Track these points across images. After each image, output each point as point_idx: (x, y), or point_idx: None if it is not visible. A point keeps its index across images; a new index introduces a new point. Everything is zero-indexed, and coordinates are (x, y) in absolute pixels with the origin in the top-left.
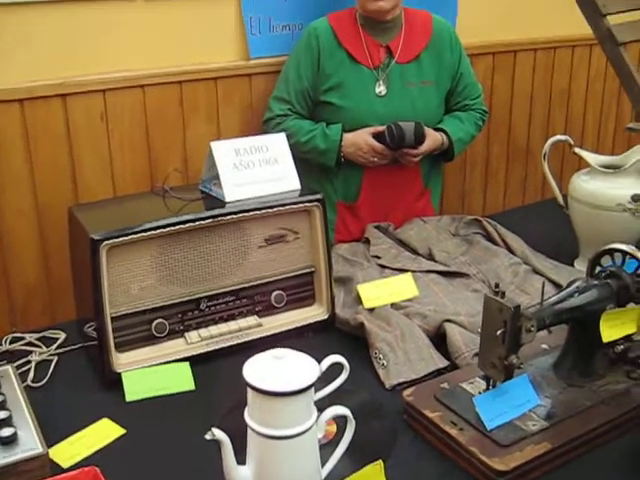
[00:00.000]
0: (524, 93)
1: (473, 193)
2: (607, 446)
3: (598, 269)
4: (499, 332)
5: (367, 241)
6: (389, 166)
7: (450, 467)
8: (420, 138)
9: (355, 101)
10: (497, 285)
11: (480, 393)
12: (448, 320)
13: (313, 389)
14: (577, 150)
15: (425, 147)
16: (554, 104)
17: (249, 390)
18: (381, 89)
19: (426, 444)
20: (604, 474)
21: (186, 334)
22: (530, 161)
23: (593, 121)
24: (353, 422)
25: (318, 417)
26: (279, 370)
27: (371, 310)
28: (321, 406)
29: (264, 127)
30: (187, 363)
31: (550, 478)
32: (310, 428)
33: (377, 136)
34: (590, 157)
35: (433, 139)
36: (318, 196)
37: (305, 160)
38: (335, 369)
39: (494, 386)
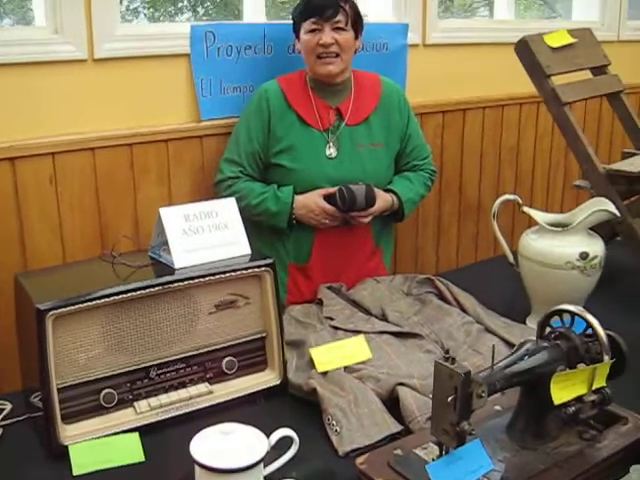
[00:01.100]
0: (474, 151)
1: (425, 251)
2: None
3: (548, 330)
4: (450, 398)
5: (320, 302)
6: (340, 227)
7: None
8: (371, 200)
9: (306, 163)
10: (447, 351)
11: (434, 459)
12: (401, 383)
13: (262, 464)
14: (525, 209)
15: (375, 209)
16: (504, 161)
17: (196, 467)
18: (331, 151)
19: None
20: None
21: (135, 403)
22: (481, 218)
23: (542, 178)
24: None
25: None
26: (227, 446)
27: (324, 374)
28: (273, 477)
29: (215, 189)
30: (136, 434)
31: None
32: None
33: (328, 198)
34: (538, 215)
35: (383, 200)
36: (268, 261)
37: (257, 222)
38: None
39: (447, 452)
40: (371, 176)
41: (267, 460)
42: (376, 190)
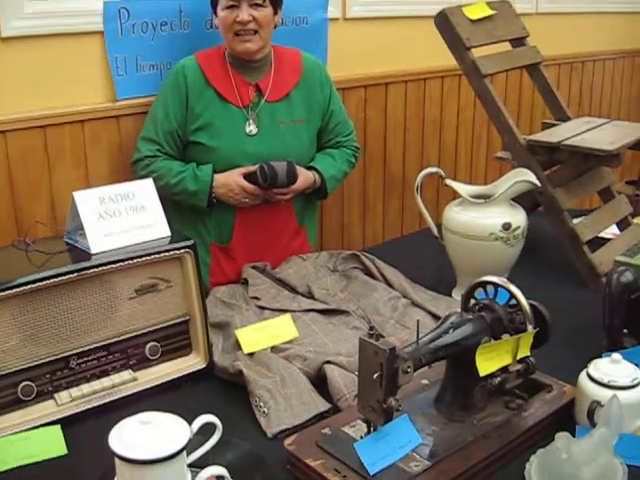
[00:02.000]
0: (397, 125)
1: (352, 227)
2: (491, 479)
3: (472, 302)
4: (376, 375)
5: (245, 282)
6: (262, 206)
7: None
8: (292, 178)
9: (225, 141)
10: (372, 327)
11: (362, 437)
12: (328, 361)
13: (185, 453)
14: (448, 182)
15: (297, 186)
16: (427, 134)
17: (116, 460)
18: (251, 128)
19: None
20: None
21: (56, 395)
22: (407, 192)
23: (465, 150)
24: None
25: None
26: (147, 435)
27: (251, 355)
28: (201, 463)
29: (133, 169)
30: (58, 426)
31: None
32: None
33: (249, 176)
34: (461, 188)
35: (305, 178)
36: (189, 242)
37: (177, 202)
38: (223, 417)
39: (375, 429)
40: (292, 153)
41: (191, 447)
42: (298, 167)
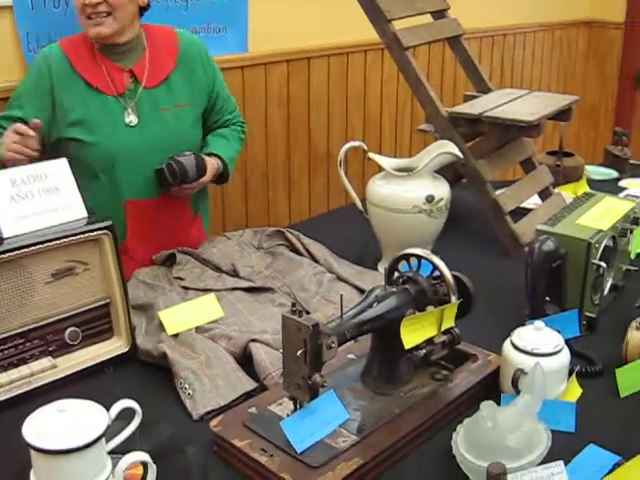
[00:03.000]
0: (321, 99)
1: (278, 204)
2: (420, 450)
3: (396, 275)
4: (299, 352)
5: (169, 263)
6: (155, 200)
7: None
8: (202, 171)
9: (103, 135)
10: (294, 304)
11: (288, 415)
12: (254, 340)
13: (103, 440)
14: (371, 155)
15: (206, 178)
16: (351, 108)
17: (32, 451)
18: (131, 119)
19: (239, 475)
20: (419, 479)
21: None
22: (332, 167)
23: (389, 124)
24: (154, 467)
25: (114, 467)
26: (63, 424)
27: (175, 336)
28: (125, 449)
29: None
30: None
31: None
32: None
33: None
34: (384, 161)
35: (212, 167)
36: (106, 223)
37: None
38: (148, 401)
39: (301, 406)
40: (175, 139)
41: (111, 434)
42: (206, 159)
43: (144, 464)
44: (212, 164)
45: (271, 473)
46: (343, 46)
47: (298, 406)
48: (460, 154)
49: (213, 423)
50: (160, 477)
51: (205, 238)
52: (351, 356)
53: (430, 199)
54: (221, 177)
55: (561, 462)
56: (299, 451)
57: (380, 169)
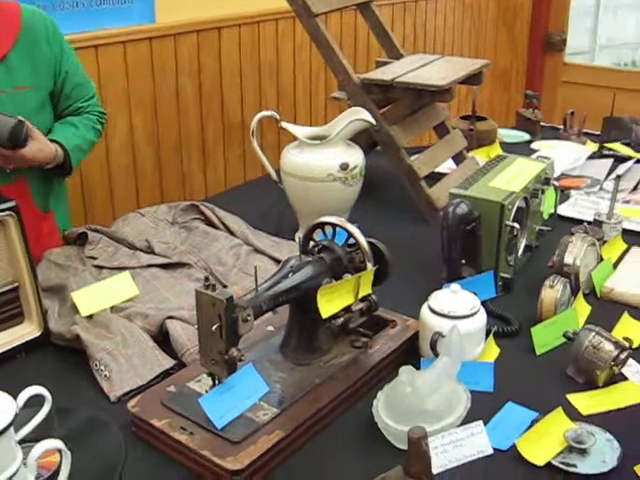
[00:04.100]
0: (233, 69)
1: (193, 176)
2: (342, 418)
3: (312, 244)
4: (215, 327)
5: (81, 242)
6: None
7: (188, 475)
8: (17, 139)
9: None
10: (207, 278)
11: (207, 391)
12: (171, 317)
13: (11, 430)
14: (284, 124)
15: (25, 153)
16: (264, 78)
17: None
18: None
19: (160, 455)
20: (341, 447)
21: None
22: (247, 137)
23: (303, 92)
24: (68, 454)
25: (26, 457)
26: None
27: (90, 317)
28: (39, 436)
29: None
30: None
31: (289, 465)
32: (16, 473)
33: None
34: (297, 130)
35: (40, 147)
36: (10, 204)
37: None
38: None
39: (220, 382)
40: None
41: (21, 422)
42: (36, 133)
43: (59, 451)
44: (43, 144)
45: (192, 451)
46: (254, 15)
47: (217, 382)
48: (373, 121)
49: (131, 404)
50: (78, 462)
51: (59, 240)
52: (270, 328)
53: (344, 167)
54: (63, 168)
55: (480, 422)
56: (219, 427)
57: (295, 138)
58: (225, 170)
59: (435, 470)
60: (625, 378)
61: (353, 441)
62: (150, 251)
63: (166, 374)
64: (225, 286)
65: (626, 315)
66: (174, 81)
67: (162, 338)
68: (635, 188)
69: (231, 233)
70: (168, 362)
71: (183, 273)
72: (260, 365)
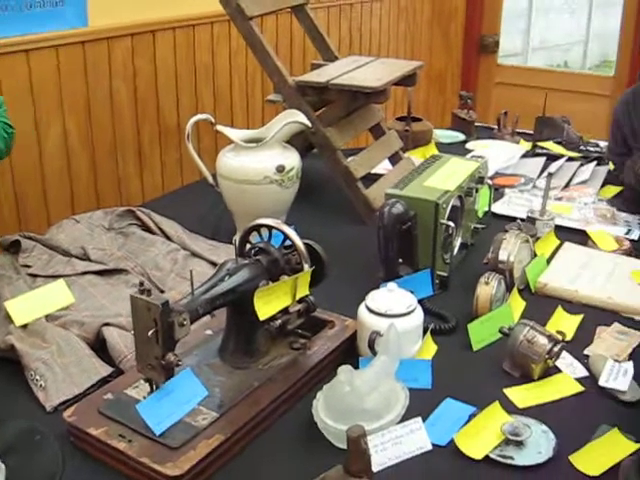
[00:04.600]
0: (168, 73)
1: (129, 181)
2: (282, 420)
3: (248, 247)
4: (151, 332)
5: (15, 250)
6: None
7: None
8: None
9: None
10: (142, 283)
11: (145, 397)
12: (107, 323)
13: None
14: (219, 128)
15: None
16: (200, 81)
17: None
18: None
19: (99, 464)
20: (282, 449)
21: None
22: (183, 141)
23: (240, 95)
24: (2, 467)
25: None
26: None
27: (24, 327)
28: None
29: None
30: None
31: (229, 469)
32: None
33: None
34: (232, 133)
35: None
36: None
37: None
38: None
39: (157, 387)
40: None
41: None
42: None
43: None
44: None
45: (130, 459)
46: (189, 18)
47: (154, 388)
48: (309, 123)
49: (67, 413)
50: (14, 476)
51: None
52: (209, 332)
53: (281, 169)
54: None
55: (419, 419)
56: (157, 433)
57: (231, 141)
58: (162, 174)
59: (375, 468)
60: (559, 370)
61: (293, 442)
62: (86, 258)
63: (104, 382)
64: (162, 291)
65: (559, 309)
66: (108, 85)
67: (99, 346)
68: (567, 185)
69: (168, 238)
70: (105, 370)
71: (120, 279)
72: (198, 369)
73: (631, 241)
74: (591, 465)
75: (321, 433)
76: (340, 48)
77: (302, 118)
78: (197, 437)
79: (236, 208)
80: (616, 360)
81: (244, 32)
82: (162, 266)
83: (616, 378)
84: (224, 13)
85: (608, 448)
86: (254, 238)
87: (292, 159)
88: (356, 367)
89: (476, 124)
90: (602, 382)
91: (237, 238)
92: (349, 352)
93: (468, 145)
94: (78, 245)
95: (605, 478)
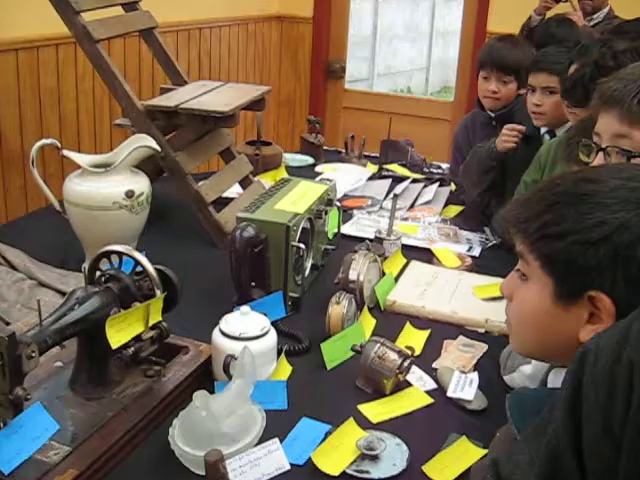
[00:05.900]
0: (10, 97)
1: None
2: (139, 449)
3: (98, 274)
4: None
5: None
6: None
7: None
8: None
9: None
10: None
11: None
12: None
13: None
14: (65, 153)
15: None
16: (45, 106)
17: None
18: None
19: None
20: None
21: None
22: (27, 167)
23: (87, 120)
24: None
25: None
26: None
27: None
28: None
29: None
30: None
31: None
32: None
33: None
34: (80, 158)
35: None
36: None
37: None
38: None
39: (5, 424)
40: None
41: None
42: None
43: None
44: None
45: None
46: (33, 39)
47: (2, 424)
48: (158, 147)
49: None
50: None
51: None
52: (59, 364)
53: (130, 194)
54: None
55: (276, 439)
56: (6, 472)
57: (78, 167)
58: (5, 201)
59: None
60: (410, 384)
61: (151, 472)
62: None
63: None
64: (8, 323)
65: (408, 325)
66: None
67: None
68: (412, 206)
69: (13, 267)
70: None
71: None
72: (49, 403)
73: (473, 257)
74: (442, 473)
75: (179, 460)
76: (190, 72)
77: (151, 142)
78: (49, 473)
79: (85, 235)
80: (462, 371)
81: (91, 55)
82: (7, 297)
83: (463, 389)
84: (69, 35)
85: (458, 455)
86: (104, 265)
87: (141, 184)
88: (212, 392)
89: (324, 148)
90: (450, 393)
91: (86, 266)
92: (204, 377)
93: (317, 168)
94: None
95: None
